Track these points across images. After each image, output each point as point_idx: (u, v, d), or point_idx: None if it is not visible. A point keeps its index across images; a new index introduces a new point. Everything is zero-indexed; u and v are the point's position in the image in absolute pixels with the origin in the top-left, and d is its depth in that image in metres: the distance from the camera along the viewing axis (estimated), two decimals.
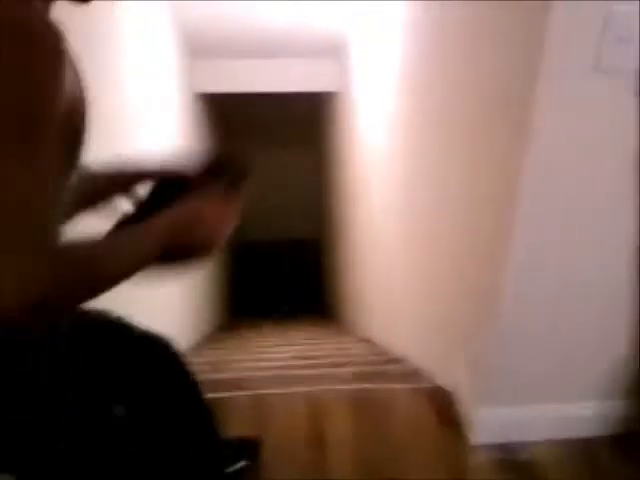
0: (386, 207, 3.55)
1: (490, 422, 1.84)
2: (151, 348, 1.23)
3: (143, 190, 1.09)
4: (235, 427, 1.90)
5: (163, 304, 3.55)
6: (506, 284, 1.61)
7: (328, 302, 7.96)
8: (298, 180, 9.28)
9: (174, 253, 0.86)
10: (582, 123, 1.39)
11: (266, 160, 9.21)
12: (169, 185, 1.04)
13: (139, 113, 3.19)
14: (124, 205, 1.09)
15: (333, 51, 5.28)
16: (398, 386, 2.17)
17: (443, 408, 2.03)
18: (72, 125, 0.77)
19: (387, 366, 2.66)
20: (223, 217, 0.94)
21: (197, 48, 5.11)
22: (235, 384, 2.25)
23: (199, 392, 1.31)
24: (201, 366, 2.98)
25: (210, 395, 2.02)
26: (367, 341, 4.01)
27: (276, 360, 3.11)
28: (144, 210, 1.01)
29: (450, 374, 2.09)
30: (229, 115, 7.49)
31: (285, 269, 9.37)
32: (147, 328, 1.25)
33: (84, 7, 0.90)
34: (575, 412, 1.79)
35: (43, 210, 0.68)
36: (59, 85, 0.67)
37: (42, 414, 0.90)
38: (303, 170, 9.17)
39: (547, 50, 1.29)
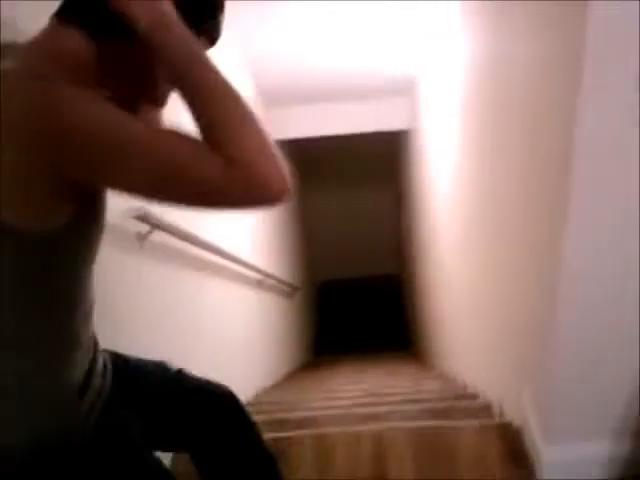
0: (454, 246, 3.52)
1: (558, 459, 1.77)
2: (210, 400, 1.26)
3: None
4: (298, 467, 1.93)
5: (243, 345, 3.66)
6: (566, 324, 1.59)
7: (410, 337, 7.87)
8: (377, 217, 9.33)
9: None
10: (621, 178, 1.37)
11: (345, 200, 9.35)
12: None
13: None
14: None
15: (404, 89, 5.34)
16: (466, 423, 2.13)
17: (511, 445, 1.97)
18: None
19: (459, 402, 2.61)
20: None
21: (270, 96, 5.30)
22: (301, 423, 2.28)
23: (259, 442, 1.32)
24: (273, 405, 3.04)
25: (275, 434, 2.08)
26: (445, 377, 3.94)
27: (347, 398, 3.12)
28: None
29: (519, 411, 2.04)
30: (305, 158, 7.70)
31: (368, 305, 9.37)
32: (207, 379, 1.29)
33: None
34: None
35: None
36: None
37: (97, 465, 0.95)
38: (382, 207, 9.21)
39: (583, 110, 1.30)
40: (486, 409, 2.42)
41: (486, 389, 2.65)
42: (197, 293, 2.72)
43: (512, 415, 2.15)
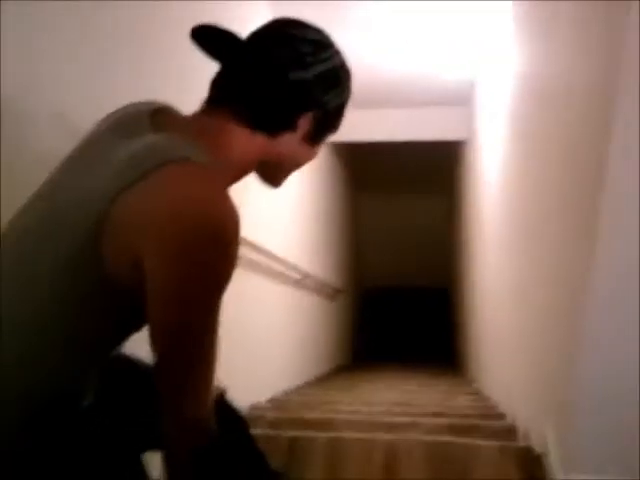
0: (497, 264, 3.45)
1: None
2: None
3: None
4: (310, 468, 1.94)
5: (277, 342, 3.69)
6: (591, 359, 1.55)
7: (453, 351, 7.75)
8: (430, 228, 9.23)
9: None
10: None
11: (394, 208, 9.29)
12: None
13: None
14: None
15: (461, 99, 5.28)
16: (485, 443, 2.08)
17: (530, 471, 1.93)
18: None
19: (484, 421, 2.55)
20: None
21: None
22: (318, 424, 2.29)
23: (249, 441, 1.30)
24: (295, 404, 3.06)
25: (291, 433, 2.09)
26: (478, 394, 3.87)
27: (373, 405, 3.10)
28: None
29: (542, 437, 1.99)
30: (358, 163, 7.69)
31: (414, 316, 9.27)
32: None
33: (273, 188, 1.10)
34: None
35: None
36: (233, 266, 0.86)
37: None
38: (432, 218, 9.11)
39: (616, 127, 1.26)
40: (511, 431, 2.36)
41: (514, 411, 2.58)
42: (233, 288, 2.75)
43: (535, 440, 2.09)
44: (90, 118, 1.04)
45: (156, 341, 0.85)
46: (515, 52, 2.78)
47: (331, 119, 1.05)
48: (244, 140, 0.96)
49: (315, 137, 1.04)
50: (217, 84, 1.00)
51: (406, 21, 3.74)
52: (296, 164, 1.07)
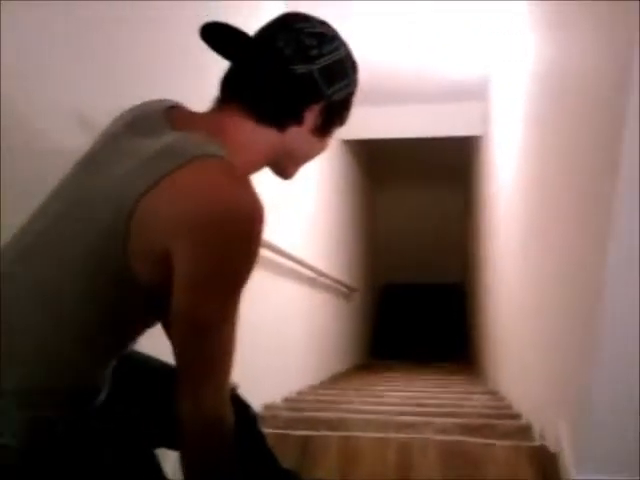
0: (511, 261, 3.43)
1: None
2: None
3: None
4: (322, 467, 1.94)
5: (293, 342, 3.69)
6: (605, 349, 1.53)
7: (470, 349, 7.71)
8: (447, 223, 9.19)
9: None
10: None
11: (412, 204, 9.26)
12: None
13: None
14: None
15: (476, 95, 5.24)
16: (499, 442, 2.07)
17: (544, 470, 1.91)
18: None
19: (499, 421, 2.54)
20: None
21: None
22: (332, 424, 2.29)
23: (261, 439, 1.30)
24: (311, 403, 3.06)
25: (304, 432, 2.10)
26: (494, 393, 3.85)
27: (388, 404, 3.10)
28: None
29: (557, 436, 1.97)
30: (375, 159, 7.68)
31: (430, 313, 9.25)
32: None
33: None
34: None
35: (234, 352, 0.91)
36: (254, 261, 0.90)
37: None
38: (449, 213, 9.07)
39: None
40: (525, 430, 2.34)
41: (530, 411, 2.56)
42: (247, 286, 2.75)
43: (550, 440, 2.07)
44: (100, 116, 1.04)
45: (179, 332, 0.88)
46: (531, 48, 2.76)
47: (338, 111, 1.06)
48: (254, 135, 0.99)
49: (323, 129, 1.06)
50: (226, 82, 1.02)
51: (420, 16, 3.72)
52: (306, 156, 1.09)
